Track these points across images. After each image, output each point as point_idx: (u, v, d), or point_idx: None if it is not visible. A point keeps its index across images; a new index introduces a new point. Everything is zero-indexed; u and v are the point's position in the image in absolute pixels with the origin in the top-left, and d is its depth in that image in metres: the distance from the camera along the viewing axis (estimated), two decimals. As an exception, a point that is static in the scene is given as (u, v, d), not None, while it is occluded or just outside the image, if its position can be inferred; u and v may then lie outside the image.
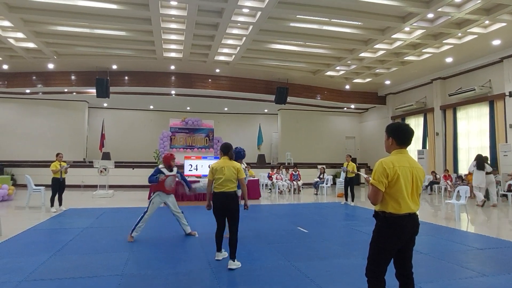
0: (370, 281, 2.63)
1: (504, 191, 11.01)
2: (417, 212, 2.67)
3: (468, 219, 8.24)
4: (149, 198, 11.11)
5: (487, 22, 9.85)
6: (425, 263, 4.62)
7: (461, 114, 14.58)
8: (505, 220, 8.60)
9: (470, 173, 12.71)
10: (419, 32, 10.57)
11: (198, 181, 6.92)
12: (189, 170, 12.40)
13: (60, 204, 9.00)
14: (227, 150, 4.64)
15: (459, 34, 10.82)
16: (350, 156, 11.05)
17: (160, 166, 6.10)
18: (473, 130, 14.00)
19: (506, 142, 12.05)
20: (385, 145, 2.79)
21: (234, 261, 4.39)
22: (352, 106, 20.03)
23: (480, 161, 10.50)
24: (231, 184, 4.47)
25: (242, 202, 4.81)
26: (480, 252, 5.27)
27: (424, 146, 16.28)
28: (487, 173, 10.43)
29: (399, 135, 2.71)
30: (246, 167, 7.01)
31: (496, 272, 4.34)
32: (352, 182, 10.88)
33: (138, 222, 5.84)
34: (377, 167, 2.61)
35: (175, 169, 6.14)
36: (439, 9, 8.90)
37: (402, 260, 2.67)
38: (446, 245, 5.70)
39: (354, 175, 10.71)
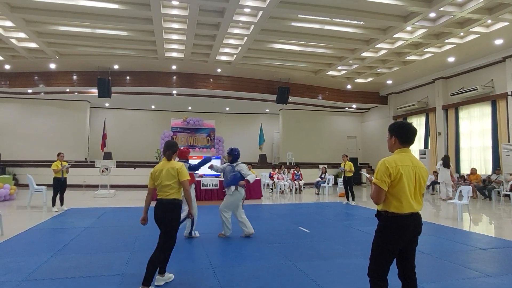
0: (373, 281, 2.62)
1: (506, 191, 10.97)
2: (420, 212, 2.65)
3: (470, 219, 8.21)
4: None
5: (489, 21, 9.80)
6: (427, 263, 4.60)
7: (463, 114, 14.52)
8: (508, 220, 8.55)
9: (472, 173, 12.70)
10: (421, 31, 10.53)
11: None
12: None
13: (62, 203, 9.01)
14: (165, 150, 3.91)
15: (461, 34, 10.78)
16: (347, 156, 11.26)
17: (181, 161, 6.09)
18: (475, 130, 13.95)
19: (509, 141, 12.00)
20: (388, 144, 2.78)
21: (162, 276, 3.80)
22: (354, 106, 19.99)
23: (445, 160, 12.05)
24: (170, 190, 3.71)
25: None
26: (482, 252, 5.24)
27: (426, 146, 16.23)
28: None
29: (402, 134, 2.69)
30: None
31: (499, 272, 4.31)
32: (350, 182, 10.94)
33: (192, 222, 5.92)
34: (379, 166, 2.59)
35: (188, 164, 6.13)
36: (441, 9, 8.87)
37: (404, 260, 2.66)
38: (449, 245, 5.67)
39: (352, 174, 10.80)
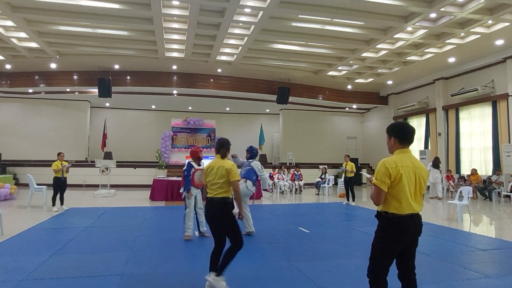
0: (372, 282, 2.61)
1: (507, 192, 10.96)
2: (420, 213, 2.64)
3: (470, 220, 8.20)
4: (151, 198, 11.23)
5: (490, 22, 9.78)
6: (427, 264, 4.59)
7: (464, 115, 14.51)
8: (508, 221, 8.54)
9: (473, 174, 12.69)
10: (421, 32, 10.52)
11: None
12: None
13: (62, 203, 9.00)
14: (218, 148, 3.86)
15: (462, 34, 10.76)
16: (349, 156, 11.18)
17: (190, 160, 6.18)
18: (475, 131, 13.93)
19: (509, 142, 11.99)
20: (388, 146, 2.77)
21: (218, 276, 3.55)
22: (354, 106, 19.98)
23: (435, 161, 12.82)
24: (218, 189, 3.65)
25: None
26: (483, 253, 5.23)
27: (426, 146, 16.22)
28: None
29: (400, 134, 2.69)
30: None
31: (499, 273, 4.30)
32: (351, 182, 10.92)
33: (184, 222, 5.94)
34: (379, 167, 2.58)
35: (202, 163, 6.17)
36: (442, 9, 8.86)
37: (404, 261, 2.65)
38: (449, 246, 5.66)
39: (353, 174, 10.77)
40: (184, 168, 6.07)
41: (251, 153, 6.52)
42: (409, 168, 2.57)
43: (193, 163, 6.10)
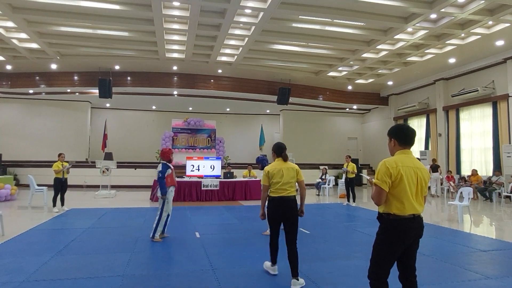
0: (373, 284, 2.61)
1: (507, 192, 10.96)
2: (422, 215, 2.64)
3: (471, 221, 8.20)
4: (152, 198, 11.19)
5: (490, 22, 9.79)
6: (428, 265, 4.59)
7: (464, 115, 14.51)
8: (509, 221, 8.54)
9: (473, 174, 12.69)
10: (422, 32, 10.53)
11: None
12: (191, 171, 12.41)
13: (62, 204, 9.01)
14: (280, 151, 4.13)
15: (462, 35, 10.77)
16: (350, 157, 11.14)
17: (163, 161, 6.09)
18: (476, 131, 13.93)
19: (510, 143, 11.99)
20: (389, 148, 2.78)
21: (298, 279, 3.78)
22: (354, 107, 19.98)
23: (434, 167, 13.43)
24: (290, 188, 3.96)
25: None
26: (483, 254, 5.23)
27: (426, 147, 16.22)
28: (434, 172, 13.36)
29: (400, 136, 2.70)
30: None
31: (500, 274, 4.30)
32: (352, 183, 10.90)
33: (156, 226, 5.84)
34: (380, 167, 2.59)
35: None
36: (442, 10, 8.87)
37: (405, 262, 2.65)
38: (449, 247, 5.66)
39: (354, 175, 10.75)
40: (160, 170, 5.89)
41: (261, 162, 6.62)
42: (410, 169, 2.58)
43: (169, 164, 6.03)
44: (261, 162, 6.63)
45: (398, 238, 2.55)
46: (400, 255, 2.61)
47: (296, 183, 4.06)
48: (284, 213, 3.91)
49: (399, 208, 2.54)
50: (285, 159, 4.11)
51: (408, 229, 2.55)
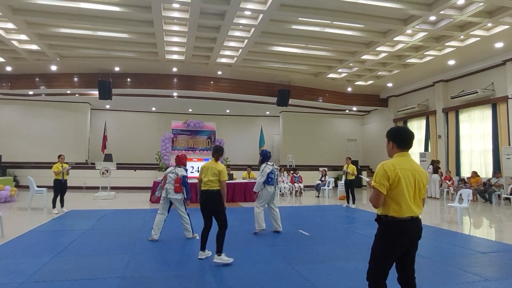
0: (372, 285, 2.62)
1: (507, 194, 10.96)
2: (420, 216, 2.65)
3: (470, 223, 8.20)
4: (151, 200, 11.22)
5: (489, 24, 9.82)
6: (427, 267, 4.60)
7: (464, 117, 14.52)
8: (508, 223, 8.54)
9: (473, 176, 12.69)
10: (421, 34, 10.55)
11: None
12: (191, 172, 12.41)
13: (62, 205, 9.01)
14: (214, 153, 5.02)
15: (462, 37, 10.80)
16: (350, 159, 11.13)
17: (180, 166, 6.36)
18: (475, 133, 13.94)
19: (509, 145, 11.99)
20: (387, 150, 2.79)
21: (219, 255, 4.57)
22: (354, 109, 20.00)
23: (435, 167, 13.40)
24: (211, 184, 4.75)
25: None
26: (483, 256, 5.23)
27: (426, 149, 16.22)
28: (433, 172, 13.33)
29: (398, 139, 2.71)
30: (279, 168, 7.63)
31: (499, 276, 4.31)
32: (352, 185, 10.91)
33: (190, 226, 6.28)
34: (378, 169, 2.60)
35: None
36: (442, 12, 8.89)
37: (404, 264, 2.66)
38: (448, 249, 5.66)
39: (354, 177, 10.75)
40: (185, 174, 6.25)
41: (262, 156, 6.92)
42: (408, 171, 2.59)
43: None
44: (261, 155, 6.95)
45: (396, 239, 2.56)
46: (398, 257, 2.62)
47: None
48: (202, 204, 4.82)
49: (396, 210, 2.55)
50: (216, 160, 4.96)
51: (406, 230, 2.55)
